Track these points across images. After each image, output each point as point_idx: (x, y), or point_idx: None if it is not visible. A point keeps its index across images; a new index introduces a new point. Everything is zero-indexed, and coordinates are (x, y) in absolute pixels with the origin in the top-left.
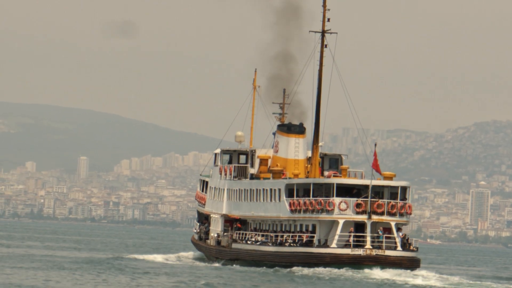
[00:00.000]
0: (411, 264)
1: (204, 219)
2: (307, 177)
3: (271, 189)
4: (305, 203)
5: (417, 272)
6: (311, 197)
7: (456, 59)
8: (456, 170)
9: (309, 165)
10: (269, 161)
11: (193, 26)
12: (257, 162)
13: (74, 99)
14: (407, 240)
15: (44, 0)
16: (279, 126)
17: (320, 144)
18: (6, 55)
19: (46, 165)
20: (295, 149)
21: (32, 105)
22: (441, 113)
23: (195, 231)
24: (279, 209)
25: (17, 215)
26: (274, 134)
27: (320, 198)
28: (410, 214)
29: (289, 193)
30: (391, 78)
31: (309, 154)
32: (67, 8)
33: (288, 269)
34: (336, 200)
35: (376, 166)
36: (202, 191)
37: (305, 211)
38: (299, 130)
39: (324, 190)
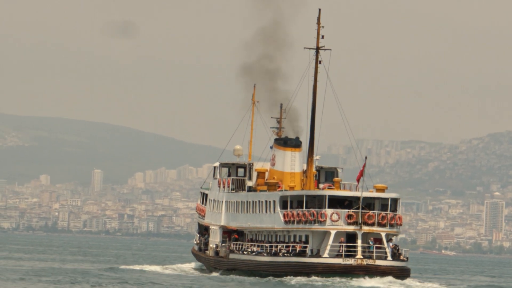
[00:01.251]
0: (401, 273)
1: (204, 230)
2: (303, 189)
3: (266, 201)
4: (298, 214)
5: (406, 281)
6: (304, 209)
7: (469, 70)
8: (471, 181)
9: (305, 178)
10: (266, 174)
11: (207, 36)
12: (254, 175)
13: (88, 112)
14: (398, 250)
15: (52, 6)
16: (276, 140)
17: (316, 157)
18: (18, 67)
19: (60, 178)
20: (291, 162)
21: (46, 118)
22: (455, 124)
23: (195, 242)
24: (274, 220)
25: (31, 228)
26: (271, 147)
27: (313, 210)
28: (400, 225)
29: (284, 205)
30: (403, 90)
31: (305, 167)
32: (82, 16)
33: (278, 279)
34: (328, 211)
35: (358, 178)
36: (202, 203)
37: (299, 222)
38: (295, 144)
39: (317, 201)
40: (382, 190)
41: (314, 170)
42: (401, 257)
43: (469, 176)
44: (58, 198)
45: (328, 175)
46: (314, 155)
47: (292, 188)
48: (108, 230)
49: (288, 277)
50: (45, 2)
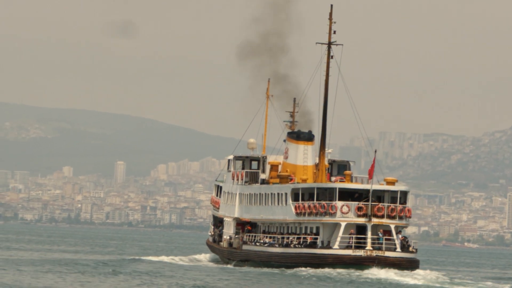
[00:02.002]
0: (410, 264)
1: (218, 222)
2: (315, 182)
3: (278, 194)
4: (309, 206)
5: (415, 272)
6: (315, 201)
7: (491, 62)
8: (494, 173)
9: (317, 171)
10: (279, 167)
11: (220, 33)
12: (268, 168)
13: (111, 104)
14: (407, 242)
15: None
16: (289, 133)
17: (328, 151)
18: (41, 60)
19: (83, 170)
20: (304, 155)
21: (69, 110)
22: (477, 116)
23: (210, 234)
24: (286, 212)
25: (54, 220)
26: (284, 141)
27: (324, 202)
28: (410, 217)
29: (295, 197)
30: (426, 83)
31: (318, 160)
32: (99, 11)
33: (289, 270)
34: (339, 203)
35: (370, 173)
36: (217, 195)
37: (310, 214)
38: (307, 137)
39: (328, 194)
40: (392, 183)
41: (326, 163)
42: (410, 249)
43: (492, 169)
44: (81, 190)
45: (341, 168)
46: (326, 149)
47: (304, 181)
48: (131, 222)
49: (300, 268)
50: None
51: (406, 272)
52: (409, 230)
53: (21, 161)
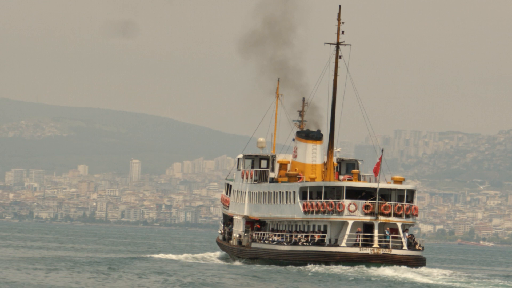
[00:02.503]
0: (416, 262)
1: (228, 220)
2: (323, 180)
3: (286, 192)
4: (317, 204)
5: (421, 270)
6: (323, 199)
7: (507, 60)
8: (509, 172)
9: (325, 170)
10: (288, 166)
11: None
12: (277, 166)
13: (126, 103)
14: (413, 240)
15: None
16: (298, 132)
17: (337, 150)
18: (57, 59)
19: (98, 168)
20: (313, 154)
21: (84, 108)
22: (493, 114)
23: (220, 232)
24: (294, 210)
25: (69, 218)
26: (293, 140)
27: (331, 200)
28: (416, 215)
29: (303, 196)
30: (441, 81)
31: (326, 159)
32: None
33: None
34: (346, 202)
35: (375, 171)
36: (227, 194)
37: (317, 212)
38: (316, 136)
39: (335, 192)
40: (399, 181)
41: (335, 162)
42: (417, 247)
43: (507, 167)
44: (96, 188)
45: (349, 167)
46: (334, 148)
47: (312, 179)
48: (146, 221)
49: (309, 265)
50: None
51: (413, 269)
52: (425, 229)
53: (36, 160)
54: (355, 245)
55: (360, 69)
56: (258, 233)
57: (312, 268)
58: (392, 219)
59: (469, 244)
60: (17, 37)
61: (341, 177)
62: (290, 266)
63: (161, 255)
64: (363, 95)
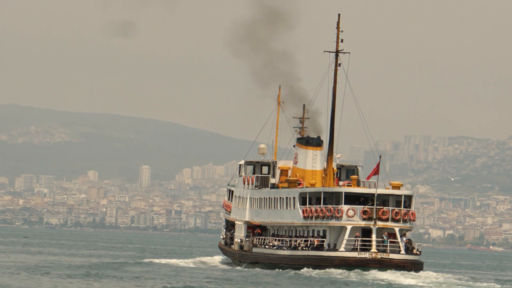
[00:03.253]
0: (414, 266)
1: (230, 226)
2: (323, 186)
3: (286, 198)
4: (316, 210)
5: (419, 274)
6: (322, 205)
7: None
8: None
9: (325, 175)
10: (289, 172)
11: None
12: (278, 172)
13: (136, 108)
14: (411, 244)
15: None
16: (298, 139)
17: (337, 156)
18: (66, 65)
19: (108, 174)
20: (313, 160)
21: (93, 114)
22: (503, 119)
23: (222, 237)
24: (294, 215)
25: (79, 224)
26: (294, 146)
27: (330, 206)
28: (414, 220)
29: (303, 201)
30: (451, 86)
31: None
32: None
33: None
34: (344, 207)
35: (370, 176)
36: (229, 199)
37: (317, 217)
38: (316, 143)
39: (334, 198)
40: (397, 187)
41: (335, 168)
42: (414, 251)
43: None
44: (106, 194)
45: (349, 172)
46: (334, 154)
47: (313, 185)
48: (156, 226)
49: (305, 269)
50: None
51: (410, 273)
52: (434, 234)
53: (46, 165)
54: (354, 249)
55: (368, 74)
56: (259, 238)
57: (307, 272)
58: (389, 224)
59: (478, 249)
60: (27, 42)
61: (341, 182)
62: (288, 270)
63: (162, 260)
64: (370, 101)
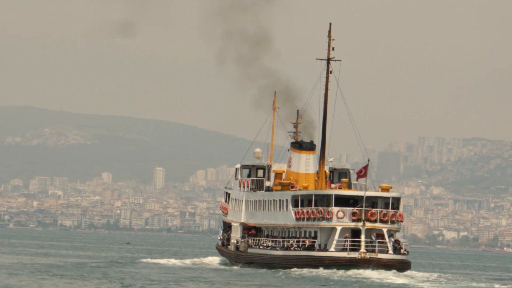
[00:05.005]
0: (402, 266)
1: (227, 227)
2: (316, 189)
3: (280, 200)
4: (308, 212)
5: (406, 273)
6: (313, 207)
7: None
8: None
9: (318, 178)
10: (283, 175)
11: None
12: (272, 175)
13: (149, 110)
14: (399, 244)
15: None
16: (292, 143)
17: (330, 159)
18: (80, 67)
19: (122, 176)
20: (306, 164)
21: (108, 116)
22: None
23: (219, 238)
24: (286, 217)
25: (93, 226)
26: (288, 150)
27: (321, 208)
28: (401, 221)
29: (295, 203)
30: (466, 88)
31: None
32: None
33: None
34: (335, 209)
35: (359, 174)
36: (226, 202)
37: (308, 219)
38: (309, 147)
39: (325, 200)
40: (386, 189)
41: (328, 171)
42: (402, 251)
43: None
44: (120, 196)
45: (341, 175)
46: (326, 158)
47: (306, 188)
48: (170, 228)
49: (295, 269)
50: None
51: (398, 272)
52: (448, 235)
53: (60, 168)
54: (343, 249)
55: (376, 75)
56: (254, 239)
57: (296, 271)
58: (378, 225)
59: (493, 251)
60: (42, 44)
61: (333, 185)
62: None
63: (161, 260)
64: (381, 102)
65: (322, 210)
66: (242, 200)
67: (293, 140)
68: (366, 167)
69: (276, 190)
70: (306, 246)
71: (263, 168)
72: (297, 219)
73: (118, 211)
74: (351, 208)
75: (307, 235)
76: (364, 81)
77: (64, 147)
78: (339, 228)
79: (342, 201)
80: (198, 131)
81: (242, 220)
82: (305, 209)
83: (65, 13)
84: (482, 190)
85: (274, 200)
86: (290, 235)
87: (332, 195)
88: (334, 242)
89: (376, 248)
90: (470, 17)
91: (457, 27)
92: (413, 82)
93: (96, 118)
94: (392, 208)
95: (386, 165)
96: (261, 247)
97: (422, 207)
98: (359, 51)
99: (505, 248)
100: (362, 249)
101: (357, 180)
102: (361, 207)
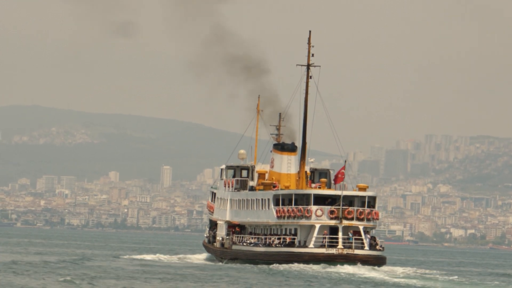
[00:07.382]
0: (377, 261)
1: (213, 225)
2: (296, 189)
3: (262, 199)
4: (288, 210)
5: (381, 268)
6: (293, 206)
7: None
8: None
9: (299, 178)
10: (266, 175)
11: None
12: (256, 176)
13: (157, 109)
14: (375, 241)
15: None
16: (274, 145)
17: (311, 160)
18: (87, 66)
19: (129, 174)
20: (288, 164)
21: (115, 115)
22: None
23: (206, 236)
24: (268, 215)
25: (100, 225)
26: (271, 151)
27: (301, 206)
28: (377, 219)
29: (276, 202)
30: (473, 85)
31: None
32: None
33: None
34: (313, 208)
35: (336, 179)
36: (212, 201)
37: (288, 217)
38: (291, 148)
39: (304, 199)
40: (363, 189)
41: (309, 171)
42: (377, 247)
43: None
44: (127, 194)
45: (322, 175)
46: (306, 158)
47: (287, 187)
48: (177, 227)
49: (275, 264)
50: None
51: (373, 267)
52: (456, 233)
53: (67, 166)
54: (322, 246)
55: (380, 74)
56: (238, 236)
57: (277, 267)
58: (354, 222)
59: (500, 249)
60: (49, 44)
61: (313, 185)
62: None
63: (147, 256)
64: (388, 100)
65: (302, 209)
66: (227, 199)
67: (275, 142)
68: (342, 170)
69: (259, 190)
70: (287, 242)
71: (247, 168)
72: (278, 217)
73: (126, 210)
74: (329, 206)
75: (288, 233)
76: (368, 81)
77: (71, 146)
78: (317, 226)
79: (321, 200)
80: (205, 129)
81: (227, 218)
82: (285, 208)
83: (74, 13)
84: (489, 187)
85: (256, 199)
86: (272, 233)
87: (311, 194)
88: (313, 239)
89: (353, 244)
90: (475, 15)
91: (465, 23)
92: (420, 80)
93: (104, 116)
94: (368, 207)
95: (393, 163)
96: (244, 244)
97: (429, 205)
98: (361, 50)
99: None
100: (340, 245)
101: (334, 185)
102: (339, 205)
